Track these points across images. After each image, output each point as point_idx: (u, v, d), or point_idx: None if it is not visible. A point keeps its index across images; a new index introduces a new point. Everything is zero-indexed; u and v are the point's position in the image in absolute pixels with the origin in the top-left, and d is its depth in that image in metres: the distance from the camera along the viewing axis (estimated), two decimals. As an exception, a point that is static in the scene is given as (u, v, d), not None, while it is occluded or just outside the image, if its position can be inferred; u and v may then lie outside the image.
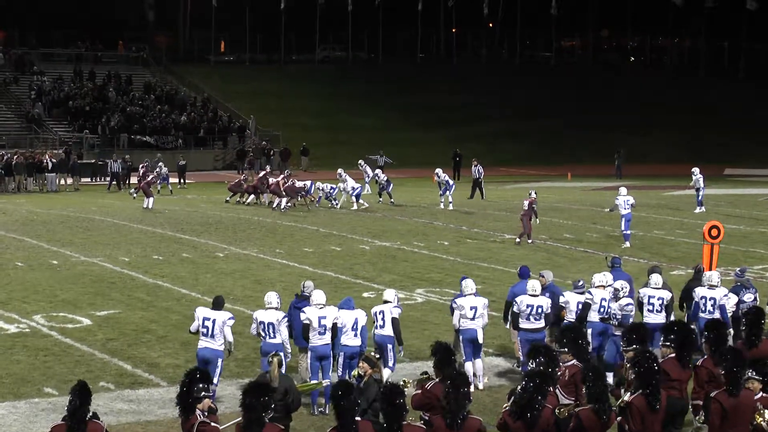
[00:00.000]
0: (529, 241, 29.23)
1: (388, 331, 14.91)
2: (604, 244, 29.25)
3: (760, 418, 10.12)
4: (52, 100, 61.79)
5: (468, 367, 15.10)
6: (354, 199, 37.99)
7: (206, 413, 9.95)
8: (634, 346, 11.34)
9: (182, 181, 49.22)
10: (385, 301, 15.15)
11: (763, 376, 10.44)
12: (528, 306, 15.40)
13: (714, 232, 19.60)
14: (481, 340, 15.46)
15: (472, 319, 15.39)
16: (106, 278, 23.98)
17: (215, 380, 14.01)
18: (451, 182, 39.00)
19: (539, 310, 15.38)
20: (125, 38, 78.25)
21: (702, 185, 37.27)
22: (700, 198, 37.31)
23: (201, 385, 9.89)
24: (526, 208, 29.28)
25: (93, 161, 53.48)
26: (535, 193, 30.50)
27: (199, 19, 79.74)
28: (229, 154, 60.76)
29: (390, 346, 14.94)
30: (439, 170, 39.25)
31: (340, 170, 39.47)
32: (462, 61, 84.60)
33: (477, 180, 42.14)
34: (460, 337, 15.46)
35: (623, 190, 30.53)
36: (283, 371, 14.00)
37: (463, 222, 34.29)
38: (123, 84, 65.77)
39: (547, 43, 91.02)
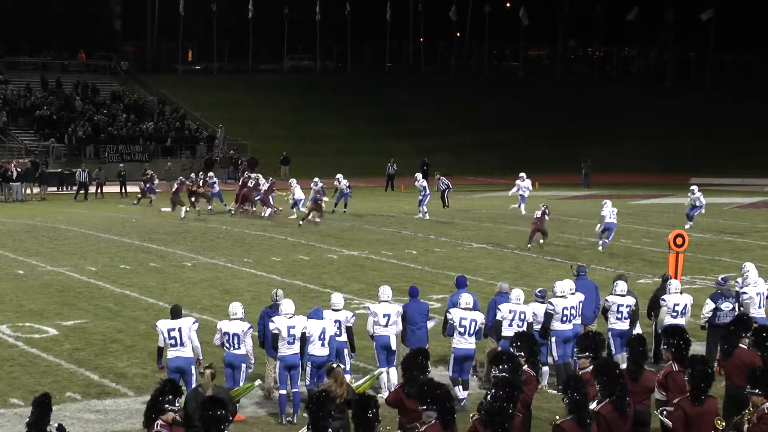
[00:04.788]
0: (534, 242, 30.01)
1: (344, 338, 15.15)
2: (572, 253, 29.41)
3: (721, 424, 10.21)
4: (18, 109, 61.39)
5: (383, 376, 15.16)
6: (295, 209, 37.86)
7: (170, 425, 9.91)
8: (587, 353, 11.44)
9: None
10: (336, 309, 15.23)
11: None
12: (511, 312, 15.53)
13: (679, 241, 19.74)
14: (394, 347, 15.49)
15: (385, 326, 15.45)
16: (72, 288, 23.84)
17: (193, 386, 14.08)
18: (428, 191, 39.09)
19: (522, 316, 15.54)
20: (92, 47, 77.82)
21: (702, 203, 35.79)
22: (693, 213, 35.89)
23: (168, 398, 9.91)
24: (539, 215, 30.19)
25: (60, 170, 53.29)
26: (546, 207, 31.32)
27: (166, 28, 79.47)
28: (197, 163, 60.54)
29: (346, 351, 15.20)
30: (419, 174, 40.28)
31: (292, 180, 39.41)
32: (430, 72, 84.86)
33: (443, 192, 42.13)
34: (374, 344, 15.55)
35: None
36: (240, 381, 14.13)
37: (431, 231, 34.36)
38: (90, 93, 65.43)
39: (514, 54, 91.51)
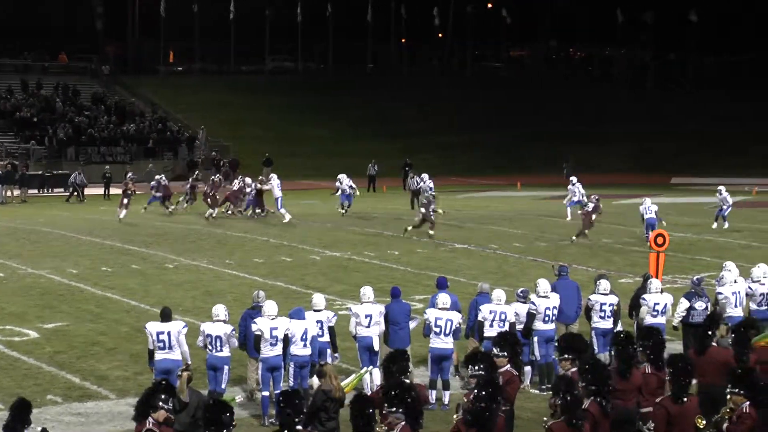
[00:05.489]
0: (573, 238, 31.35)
1: (326, 338, 15.15)
2: (554, 253, 29.46)
3: (701, 422, 10.26)
4: (-2, 111, 61.19)
5: (366, 377, 15.16)
6: (284, 210, 37.64)
7: (160, 425, 9.89)
8: (566, 355, 11.44)
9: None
10: (317, 310, 15.24)
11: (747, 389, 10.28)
12: (492, 312, 15.55)
13: (660, 240, 19.83)
14: (377, 348, 15.50)
15: (368, 327, 15.49)
16: (54, 290, 23.74)
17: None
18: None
19: (503, 316, 15.55)
20: (72, 49, 77.55)
21: (730, 202, 35.40)
22: (724, 214, 35.43)
23: (162, 396, 9.90)
24: (590, 209, 31.39)
25: (41, 172, 53.15)
26: (598, 200, 32.43)
27: (147, 29, 79.30)
28: (179, 164, 60.41)
29: (329, 352, 15.16)
30: (425, 175, 40.36)
31: (273, 175, 39.36)
32: (413, 72, 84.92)
33: (416, 191, 41.69)
34: (357, 345, 15.56)
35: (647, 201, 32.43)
36: (223, 383, 14.12)
37: (414, 231, 34.29)
38: (71, 95, 65.18)
39: (497, 54, 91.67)
